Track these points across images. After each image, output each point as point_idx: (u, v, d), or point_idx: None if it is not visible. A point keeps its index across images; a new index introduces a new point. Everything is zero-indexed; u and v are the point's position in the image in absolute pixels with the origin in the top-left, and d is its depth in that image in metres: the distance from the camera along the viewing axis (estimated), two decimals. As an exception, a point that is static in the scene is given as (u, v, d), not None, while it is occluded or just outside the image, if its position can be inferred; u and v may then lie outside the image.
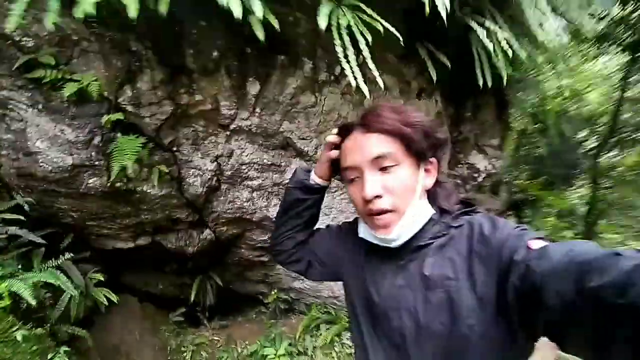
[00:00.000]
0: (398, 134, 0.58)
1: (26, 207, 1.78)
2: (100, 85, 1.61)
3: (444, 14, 1.52)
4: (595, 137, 7.88)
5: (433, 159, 0.63)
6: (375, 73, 1.50)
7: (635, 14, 4.40)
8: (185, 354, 2.25)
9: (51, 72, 1.58)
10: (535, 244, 0.49)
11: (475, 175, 3.10)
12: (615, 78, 6.66)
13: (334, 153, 0.70)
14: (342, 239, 0.77)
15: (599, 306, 0.37)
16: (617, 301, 0.35)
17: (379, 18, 1.51)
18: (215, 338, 2.53)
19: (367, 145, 0.60)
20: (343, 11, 1.48)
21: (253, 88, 1.79)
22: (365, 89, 1.53)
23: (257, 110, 1.86)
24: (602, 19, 4.16)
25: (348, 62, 1.47)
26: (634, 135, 6.92)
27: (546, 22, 1.97)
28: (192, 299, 2.64)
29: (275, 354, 2.26)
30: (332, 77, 1.97)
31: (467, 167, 3.09)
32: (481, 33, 1.80)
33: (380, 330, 0.64)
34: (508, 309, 0.49)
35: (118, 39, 1.61)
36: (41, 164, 1.65)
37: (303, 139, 2.06)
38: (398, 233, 0.60)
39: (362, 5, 1.51)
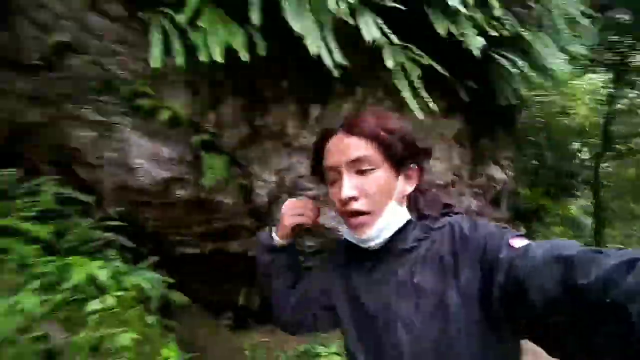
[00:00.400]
0: (377, 139, 0.60)
1: (116, 216, 2.04)
2: (188, 111, 1.92)
3: (477, 53, 1.86)
4: (586, 148, 8.34)
5: (414, 166, 0.65)
6: (429, 99, 1.83)
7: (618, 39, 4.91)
8: (246, 351, 2.46)
9: (148, 100, 1.89)
10: (517, 242, 0.51)
11: (494, 184, 3.41)
12: (602, 93, 7.17)
13: (296, 220, 0.77)
14: (328, 266, 0.79)
15: (582, 304, 0.37)
16: (600, 299, 0.35)
17: (425, 55, 1.85)
18: (267, 339, 2.75)
19: (347, 148, 0.62)
20: (398, 51, 1.82)
21: (314, 111, 2.12)
22: (420, 113, 1.86)
23: (317, 130, 2.18)
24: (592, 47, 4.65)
25: (406, 90, 1.80)
26: (626, 147, 7.36)
27: (553, 55, 2.33)
28: (240, 302, 2.86)
29: (327, 352, 2.48)
30: (377, 101, 2.30)
31: (486, 178, 3.40)
32: (504, 62, 2.14)
33: (373, 343, 0.63)
34: (492, 307, 0.50)
35: (205, 71, 1.93)
36: (138, 178, 1.92)
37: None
38: (370, 234, 0.61)
39: (411, 46, 1.86)
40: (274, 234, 0.81)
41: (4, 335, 1.17)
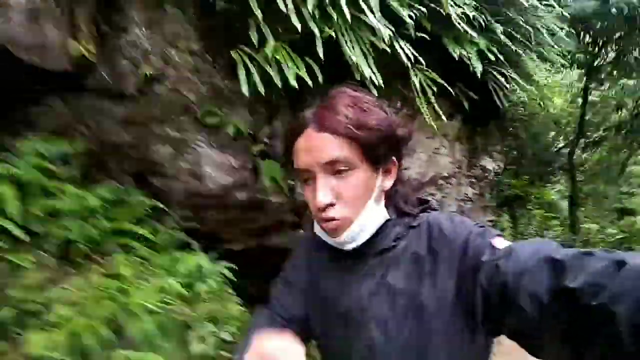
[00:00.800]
0: (354, 138, 0.55)
1: (177, 218, 2.40)
2: (248, 126, 2.30)
3: (479, 72, 2.32)
4: (562, 137, 9.10)
5: (394, 159, 0.61)
6: (440, 112, 2.28)
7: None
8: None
9: (216, 118, 2.25)
10: (499, 243, 0.50)
11: (486, 174, 3.93)
12: (576, 86, 7.89)
13: None
14: (296, 273, 0.74)
15: (573, 308, 0.37)
16: (590, 302, 0.35)
17: (437, 77, 2.30)
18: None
19: (320, 147, 0.56)
20: (416, 73, 2.26)
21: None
22: (432, 120, 2.31)
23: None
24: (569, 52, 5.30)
25: (422, 105, 2.25)
26: (597, 134, 8.13)
27: (538, 67, 2.83)
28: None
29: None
30: (395, 110, 2.74)
31: (480, 168, 3.91)
32: (499, 76, 2.63)
33: (344, 344, 0.61)
34: (473, 308, 0.49)
35: (260, 95, 2.30)
36: (207, 184, 2.29)
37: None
38: (347, 237, 0.59)
39: (428, 70, 2.30)
40: None
41: (153, 307, 1.55)
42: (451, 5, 1.95)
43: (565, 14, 3.31)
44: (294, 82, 1.78)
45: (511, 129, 6.06)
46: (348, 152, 0.55)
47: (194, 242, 2.39)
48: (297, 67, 1.79)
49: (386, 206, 0.63)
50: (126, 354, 1.25)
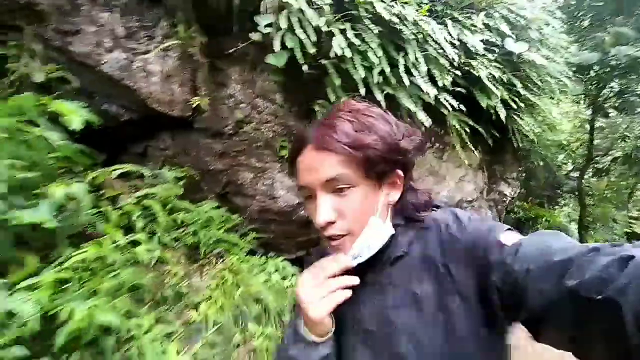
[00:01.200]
0: (353, 156, 0.54)
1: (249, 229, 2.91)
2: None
3: (503, 117, 2.83)
4: (571, 161, 9.49)
5: (399, 172, 0.59)
6: (471, 149, 2.79)
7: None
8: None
9: (287, 151, 2.79)
10: (508, 239, 0.51)
11: (504, 199, 4.40)
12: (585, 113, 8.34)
13: (332, 303, 0.55)
14: None
15: (578, 302, 0.37)
16: (595, 297, 0.35)
17: (470, 121, 2.82)
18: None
19: (319, 166, 0.55)
20: (453, 117, 2.78)
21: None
22: (464, 155, 2.82)
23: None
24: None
25: (457, 142, 2.76)
26: (606, 160, 8.52)
27: (551, 110, 3.34)
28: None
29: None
30: (431, 147, 3.26)
31: (497, 193, 4.39)
32: (519, 120, 3.15)
33: (373, 359, 0.59)
34: (492, 307, 0.50)
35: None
36: (279, 204, 2.80)
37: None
38: (351, 254, 0.57)
39: (464, 115, 2.82)
40: (300, 326, 0.60)
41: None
42: (480, 69, 2.49)
43: (572, 61, 3.86)
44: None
45: (524, 157, 6.52)
46: (347, 170, 0.54)
47: (260, 249, 2.89)
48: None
49: (395, 216, 0.62)
50: (251, 325, 1.74)
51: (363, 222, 0.57)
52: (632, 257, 0.35)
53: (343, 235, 0.57)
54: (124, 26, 2.09)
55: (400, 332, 0.56)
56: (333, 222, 0.56)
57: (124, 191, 1.83)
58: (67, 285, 1.24)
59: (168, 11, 2.18)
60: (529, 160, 7.28)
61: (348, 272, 0.59)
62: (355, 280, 0.57)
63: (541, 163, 6.02)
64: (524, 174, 8.36)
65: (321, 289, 0.56)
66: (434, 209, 0.65)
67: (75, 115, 1.66)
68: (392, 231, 0.60)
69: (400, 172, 0.60)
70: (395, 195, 0.61)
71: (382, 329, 0.58)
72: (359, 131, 0.55)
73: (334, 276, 0.57)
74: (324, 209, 0.55)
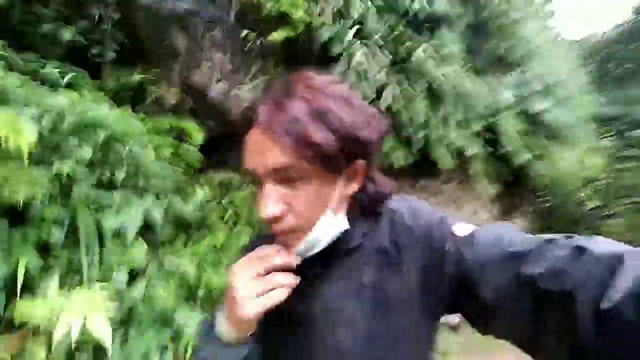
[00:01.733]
0: (305, 145, 0.44)
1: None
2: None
3: (521, 161, 3.32)
4: (593, 197, 9.44)
5: (359, 161, 0.50)
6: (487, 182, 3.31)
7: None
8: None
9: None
10: (461, 230, 0.49)
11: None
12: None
13: (267, 304, 0.48)
14: None
15: (534, 294, 0.37)
16: (550, 288, 0.35)
17: (492, 165, 3.32)
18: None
19: (265, 151, 0.46)
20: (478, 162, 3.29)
21: (423, 183, 3.59)
22: (479, 186, 3.33)
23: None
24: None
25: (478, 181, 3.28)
26: (629, 201, 8.47)
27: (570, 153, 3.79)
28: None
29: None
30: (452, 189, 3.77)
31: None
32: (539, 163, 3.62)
33: (304, 349, 0.56)
34: (441, 298, 0.49)
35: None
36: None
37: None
38: (298, 251, 0.51)
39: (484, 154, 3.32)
40: (220, 324, 0.52)
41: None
42: (507, 121, 3.01)
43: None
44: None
45: (543, 194, 6.84)
46: (297, 160, 0.44)
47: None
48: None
49: (351, 207, 0.55)
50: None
51: (314, 217, 0.49)
52: (585, 249, 0.35)
53: (290, 232, 0.50)
54: (231, 62, 2.73)
55: (339, 321, 0.53)
56: (281, 217, 0.48)
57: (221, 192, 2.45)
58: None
59: (265, 54, 2.81)
60: (547, 196, 7.54)
61: (298, 265, 0.52)
62: (297, 279, 0.50)
63: (553, 199, 6.33)
64: (542, 208, 8.59)
65: (259, 284, 0.48)
66: (389, 199, 0.59)
67: (198, 132, 2.30)
68: (347, 226, 0.54)
69: (361, 162, 0.51)
70: (354, 186, 0.53)
71: (324, 320, 0.54)
72: (313, 118, 0.44)
73: (275, 270, 0.50)
74: (269, 202, 0.47)
